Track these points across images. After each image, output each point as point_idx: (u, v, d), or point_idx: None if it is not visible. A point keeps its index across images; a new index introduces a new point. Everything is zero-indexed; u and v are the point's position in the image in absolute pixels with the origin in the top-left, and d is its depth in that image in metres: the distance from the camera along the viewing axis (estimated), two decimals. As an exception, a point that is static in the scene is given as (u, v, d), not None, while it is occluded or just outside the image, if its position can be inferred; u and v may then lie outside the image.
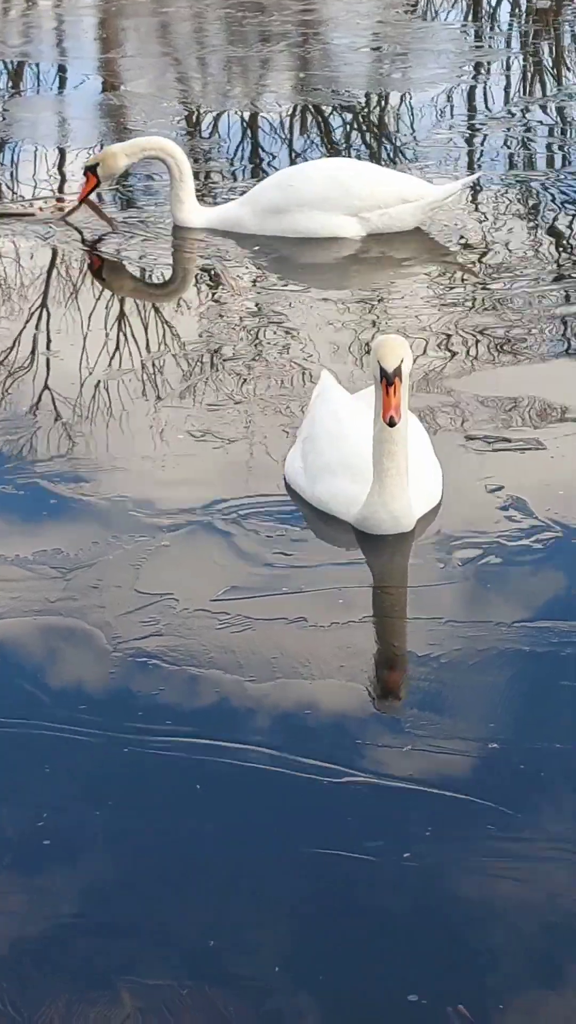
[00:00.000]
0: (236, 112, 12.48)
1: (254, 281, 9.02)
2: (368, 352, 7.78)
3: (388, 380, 5.81)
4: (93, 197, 9.76)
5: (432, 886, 4.39)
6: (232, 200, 9.76)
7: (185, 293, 8.95)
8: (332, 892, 4.38)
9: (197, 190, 9.78)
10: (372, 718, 5.07)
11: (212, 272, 9.18)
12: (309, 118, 12.49)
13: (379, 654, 5.48)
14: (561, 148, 11.46)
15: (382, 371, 5.82)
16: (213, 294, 8.89)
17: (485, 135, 11.84)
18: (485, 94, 13.10)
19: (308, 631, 5.51)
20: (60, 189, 10.58)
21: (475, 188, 10.41)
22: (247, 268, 9.16)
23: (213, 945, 4.20)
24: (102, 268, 9.22)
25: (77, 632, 5.52)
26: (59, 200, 10.15)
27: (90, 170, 9.72)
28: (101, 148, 10.20)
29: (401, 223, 9.49)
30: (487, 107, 12.69)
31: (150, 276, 9.12)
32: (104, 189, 9.99)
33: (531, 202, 10.24)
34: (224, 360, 7.85)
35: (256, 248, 9.35)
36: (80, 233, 9.64)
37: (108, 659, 5.36)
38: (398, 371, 5.81)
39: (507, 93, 13.17)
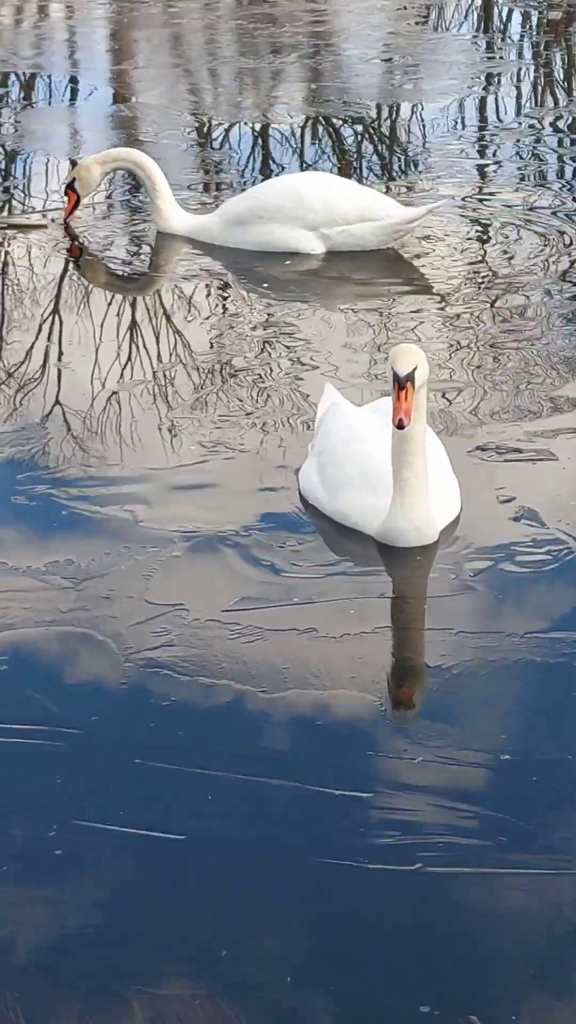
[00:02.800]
0: (247, 123, 12.50)
1: (261, 292, 9.02)
2: (374, 364, 7.80)
3: (400, 384, 5.84)
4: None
5: (444, 897, 4.38)
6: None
7: (196, 304, 8.95)
8: (343, 902, 4.37)
9: (207, 202, 9.80)
10: (383, 729, 5.07)
11: (222, 283, 9.18)
12: (320, 129, 12.51)
13: (391, 665, 5.48)
14: (573, 160, 11.45)
15: (394, 375, 5.85)
16: (224, 305, 8.90)
17: (496, 146, 11.84)
18: (496, 105, 13.11)
19: (319, 642, 5.51)
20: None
21: (488, 195, 10.42)
22: (248, 280, 9.16)
23: (225, 955, 4.20)
24: (111, 278, 9.23)
25: (89, 642, 5.52)
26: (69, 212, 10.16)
27: (69, 187, 9.78)
28: (65, 191, 10.06)
29: (362, 242, 9.31)
30: (498, 118, 12.70)
31: (160, 285, 9.13)
32: (121, 199, 10.00)
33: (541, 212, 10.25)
34: (235, 371, 7.86)
35: (254, 259, 9.35)
36: (90, 245, 9.66)
37: (119, 669, 5.37)
38: (410, 376, 5.84)
39: (518, 104, 13.18)
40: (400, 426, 5.85)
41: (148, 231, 9.90)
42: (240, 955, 4.20)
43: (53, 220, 10.07)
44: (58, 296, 8.95)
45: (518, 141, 11.93)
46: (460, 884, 4.42)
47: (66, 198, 9.85)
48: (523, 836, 4.58)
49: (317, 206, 9.26)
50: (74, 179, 9.76)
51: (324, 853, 4.53)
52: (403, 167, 11.45)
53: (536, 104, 13.23)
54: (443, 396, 7.43)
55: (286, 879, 4.46)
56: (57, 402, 7.57)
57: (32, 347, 8.27)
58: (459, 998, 4.06)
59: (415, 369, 5.86)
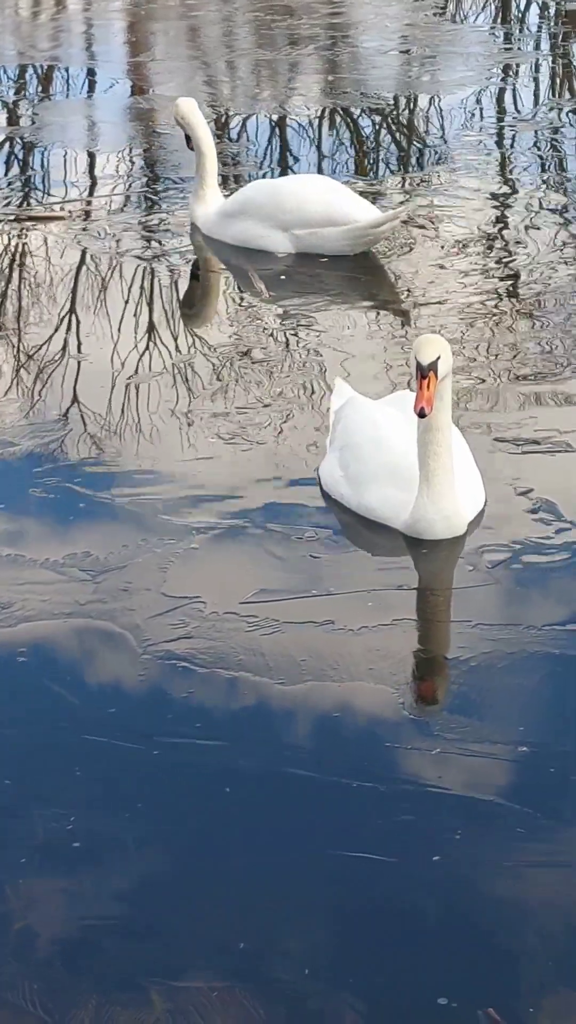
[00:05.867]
0: (265, 115, 12.49)
1: (279, 284, 9.01)
2: (391, 357, 7.79)
3: (422, 373, 5.84)
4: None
5: (462, 889, 4.38)
6: None
7: (213, 296, 8.95)
8: (361, 895, 4.37)
9: (225, 194, 9.79)
10: (402, 721, 5.07)
11: (241, 275, 9.18)
12: (338, 121, 12.49)
13: (410, 657, 5.47)
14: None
15: (417, 364, 5.85)
16: (242, 297, 8.90)
17: (514, 137, 11.82)
18: (514, 96, 13.08)
19: (337, 634, 5.51)
20: (90, 192, 10.61)
21: (506, 186, 10.40)
22: (265, 273, 9.15)
23: (243, 948, 4.20)
24: (128, 270, 9.22)
25: (107, 635, 5.53)
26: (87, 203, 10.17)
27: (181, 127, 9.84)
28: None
29: (330, 245, 9.19)
30: (516, 109, 12.67)
31: (178, 278, 9.13)
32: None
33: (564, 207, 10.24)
34: (254, 363, 7.85)
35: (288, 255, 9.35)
36: (108, 236, 9.66)
37: (137, 662, 5.37)
38: (432, 365, 5.84)
39: (536, 96, 13.15)
40: (422, 414, 5.85)
41: (165, 223, 9.89)
42: (258, 947, 4.20)
43: (71, 212, 10.07)
44: (75, 288, 8.95)
45: (536, 132, 11.90)
46: (478, 877, 4.41)
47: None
48: (541, 829, 4.58)
49: (288, 206, 9.22)
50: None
51: (342, 845, 4.53)
52: (420, 159, 11.43)
53: (554, 95, 13.20)
54: (461, 388, 7.41)
55: (304, 871, 4.46)
56: (75, 395, 7.57)
57: (50, 339, 8.27)
58: (477, 990, 4.06)
59: (438, 359, 5.86)
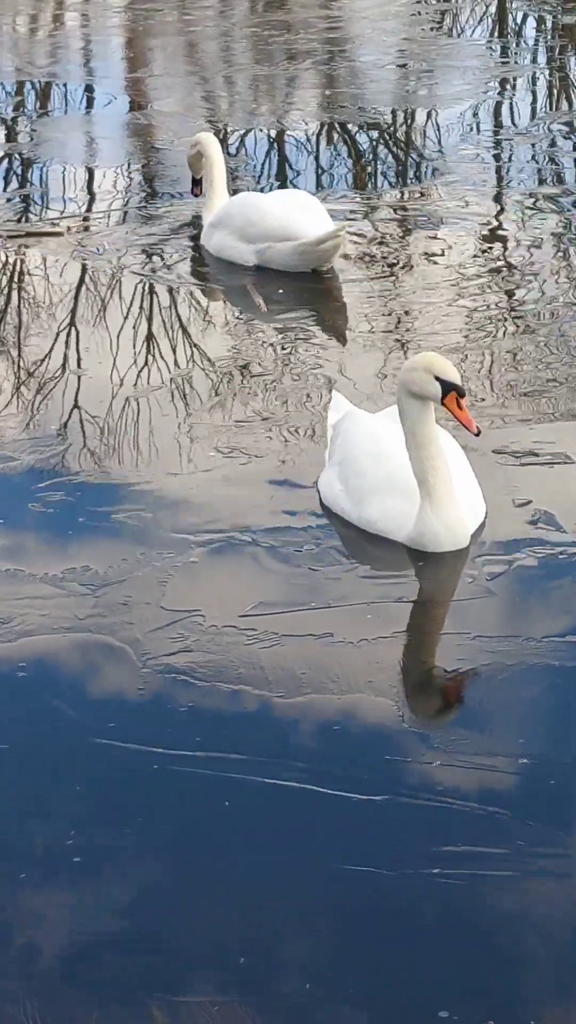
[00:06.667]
0: (263, 130, 12.51)
1: (276, 299, 9.03)
2: (388, 369, 7.80)
3: (460, 392, 5.99)
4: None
5: (462, 901, 4.38)
6: None
7: (212, 310, 8.97)
8: (361, 908, 4.37)
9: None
10: (401, 733, 5.07)
11: (239, 289, 9.19)
12: (335, 135, 12.51)
13: (409, 670, 5.47)
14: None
15: (451, 385, 5.96)
16: (239, 311, 8.91)
17: (511, 151, 11.84)
18: (511, 110, 13.10)
19: (337, 646, 5.51)
20: (88, 208, 10.63)
21: (504, 199, 10.42)
22: (263, 285, 9.17)
23: (244, 962, 4.20)
24: (127, 285, 9.24)
25: (107, 649, 5.53)
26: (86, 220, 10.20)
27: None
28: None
29: (284, 260, 9.22)
30: (513, 123, 12.69)
31: (176, 292, 9.15)
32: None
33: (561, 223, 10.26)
34: (252, 376, 7.86)
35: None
36: (107, 251, 9.68)
37: (137, 675, 5.37)
38: (460, 384, 6.02)
39: (533, 109, 13.17)
40: (478, 433, 6.12)
41: (164, 238, 9.91)
42: (259, 961, 4.20)
43: (69, 228, 10.09)
44: (75, 303, 8.97)
45: (533, 145, 11.92)
46: (479, 888, 4.41)
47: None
48: (542, 840, 4.57)
49: (252, 220, 9.30)
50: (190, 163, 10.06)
51: (342, 858, 4.52)
52: (418, 172, 11.45)
53: (551, 108, 13.22)
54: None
55: (303, 884, 4.46)
56: (74, 409, 7.58)
57: (49, 354, 8.29)
58: (478, 1004, 4.06)
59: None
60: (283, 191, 10.06)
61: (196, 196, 10.05)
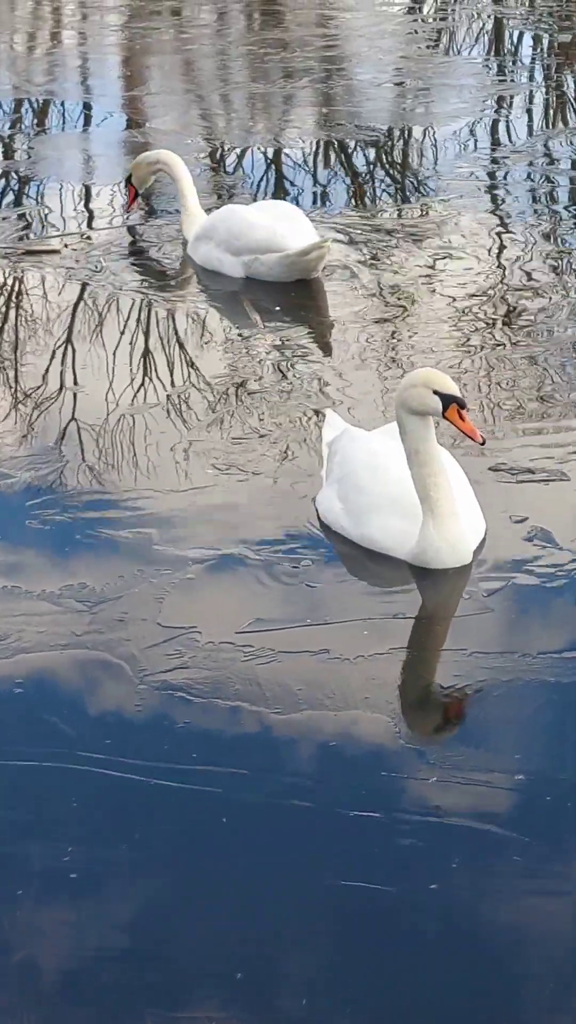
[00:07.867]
0: (260, 148, 12.54)
1: (272, 314, 9.04)
2: (385, 386, 7.81)
3: (461, 404, 6.03)
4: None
5: (459, 918, 4.37)
6: None
7: (208, 327, 8.97)
8: (360, 924, 4.37)
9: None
10: (399, 750, 5.07)
11: (236, 305, 9.20)
12: (332, 153, 12.54)
13: (406, 686, 5.47)
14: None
15: (451, 397, 5.99)
16: (236, 327, 8.92)
17: (508, 169, 11.86)
18: (508, 128, 13.13)
19: (334, 663, 5.51)
20: (86, 225, 10.65)
21: (500, 217, 10.44)
22: (260, 301, 9.18)
23: (241, 978, 4.19)
24: (124, 301, 9.25)
25: (103, 665, 5.53)
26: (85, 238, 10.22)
27: (128, 182, 10.36)
28: (126, 184, 10.43)
29: (268, 272, 9.26)
30: (510, 141, 12.72)
31: (174, 309, 9.16)
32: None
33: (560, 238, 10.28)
34: (249, 393, 7.87)
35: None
36: (104, 269, 9.69)
37: (134, 692, 5.37)
38: (460, 396, 6.05)
39: (530, 127, 13.20)
40: (484, 442, 6.20)
41: (160, 253, 9.93)
42: (257, 977, 4.19)
43: (67, 245, 10.11)
44: (72, 320, 8.98)
45: (530, 164, 11.95)
46: (474, 905, 4.41)
47: (127, 191, 10.40)
48: (539, 857, 4.57)
49: (237, 232, 9.35)
50: (131, 175, 10.30)
51: (340, 874, 4.52)
52: (415, 190, 11.47)
53: (548, 126, 13.26)
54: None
55: (300, 901, 4.45)
56: (71, 426, 7.58)
57: (46, 371, 8.29)
58: (476, 1019, 4.05)
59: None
60: (266, 201, 10.12)
61: (128, 212, 10.31)
